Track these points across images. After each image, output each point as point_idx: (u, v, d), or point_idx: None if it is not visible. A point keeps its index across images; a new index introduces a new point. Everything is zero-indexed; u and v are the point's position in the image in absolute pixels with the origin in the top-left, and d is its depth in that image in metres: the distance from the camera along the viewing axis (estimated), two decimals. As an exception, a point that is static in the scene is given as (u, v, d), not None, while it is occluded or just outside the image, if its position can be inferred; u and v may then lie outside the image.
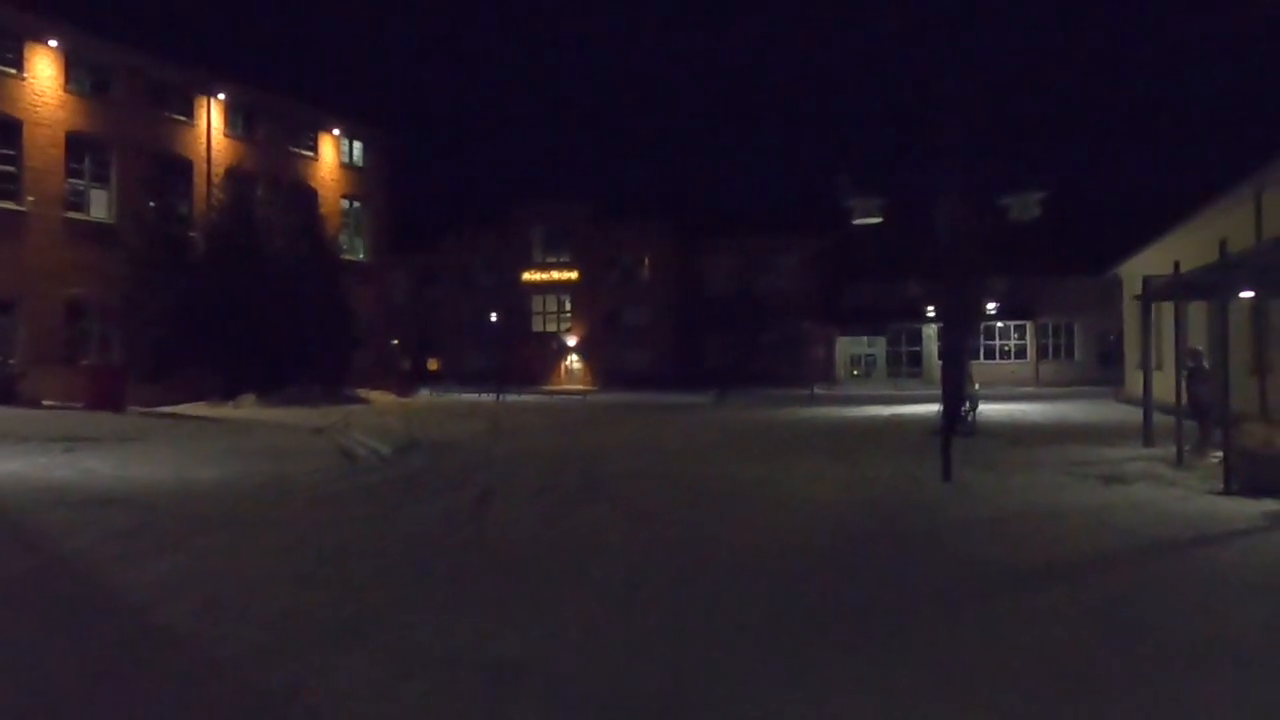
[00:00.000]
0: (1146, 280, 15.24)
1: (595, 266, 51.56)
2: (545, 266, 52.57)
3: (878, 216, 11.90)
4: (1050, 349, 47.29)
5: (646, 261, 51.91)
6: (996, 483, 11.69)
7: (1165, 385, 25.26)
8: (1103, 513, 9.35)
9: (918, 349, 49.45)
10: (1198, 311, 23.58)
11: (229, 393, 27.55)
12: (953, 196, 13.90)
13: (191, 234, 29.86)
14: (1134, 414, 24.40)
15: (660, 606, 5.87)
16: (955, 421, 18.74)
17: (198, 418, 22.12)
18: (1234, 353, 16.54)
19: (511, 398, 35.58)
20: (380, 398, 32.54)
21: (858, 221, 12.05)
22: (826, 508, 9.94)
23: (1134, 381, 29.91)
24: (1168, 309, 25.00)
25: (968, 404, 19.08)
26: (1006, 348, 47.49)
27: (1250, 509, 9.42)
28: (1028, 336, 46.96)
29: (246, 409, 26.23)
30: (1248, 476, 10.41)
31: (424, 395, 38.10)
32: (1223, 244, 11.03)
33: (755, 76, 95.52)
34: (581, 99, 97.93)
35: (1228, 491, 10.55)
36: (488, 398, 36.00)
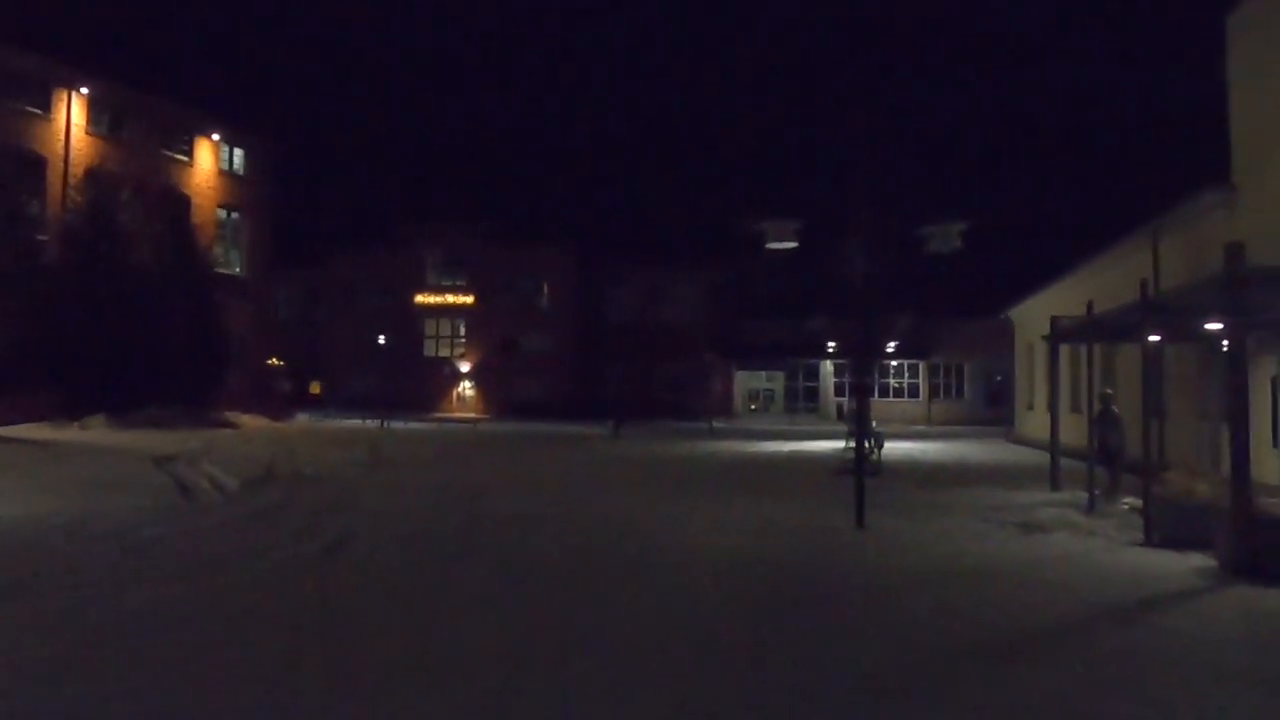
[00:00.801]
0: (1055, 320, 14.92)
1: (492, 291, 49.91)
2: (440, 289, 50.59)
3: (793, 241, 11.04)
4: (942, 389, 48.13)
5: (546, 287, 50.58)
6: (913, 530, 10.88)
7: (1046, 424, 25.58)
8: (1033, 569, 8.57)
9: (815, 384, 49.60)
10: (1075, 355, 23.92)
11: (74, 412, 24.79)
12: (868, 225, 13.26)
13: (42, 237, 26.98)
14: (1029, 455, 24.52)
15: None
16: (862, 461, 18.16)
17: (27, 441, 19.54)
18: (1129, 397, 16.62)
19: (398, 425, 33.56)
20: (251, 422, 30.10)
21: (772, 246, 11.15)
22: (734, 562, 8.84)
23: (1024, 422, 30.33)
24: (1065, 351, 25.36)
25: (872, 443, 18.46)
26: (900, 386, 48.08)
27: (1179, 564, 8.81)
28: (921, 376, 47.68)
29: (94, 431, 23.58)
30: (1170, 528, 9.87)
31: (301, 420, 35.62)
32: (1144, 284, 10.59)
33: (665, 101, 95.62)
34: (485, 119, 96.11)
35: (1149, 543, 10.00)
36: (372, 424, 33.87)
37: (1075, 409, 24.13)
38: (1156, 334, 14.10)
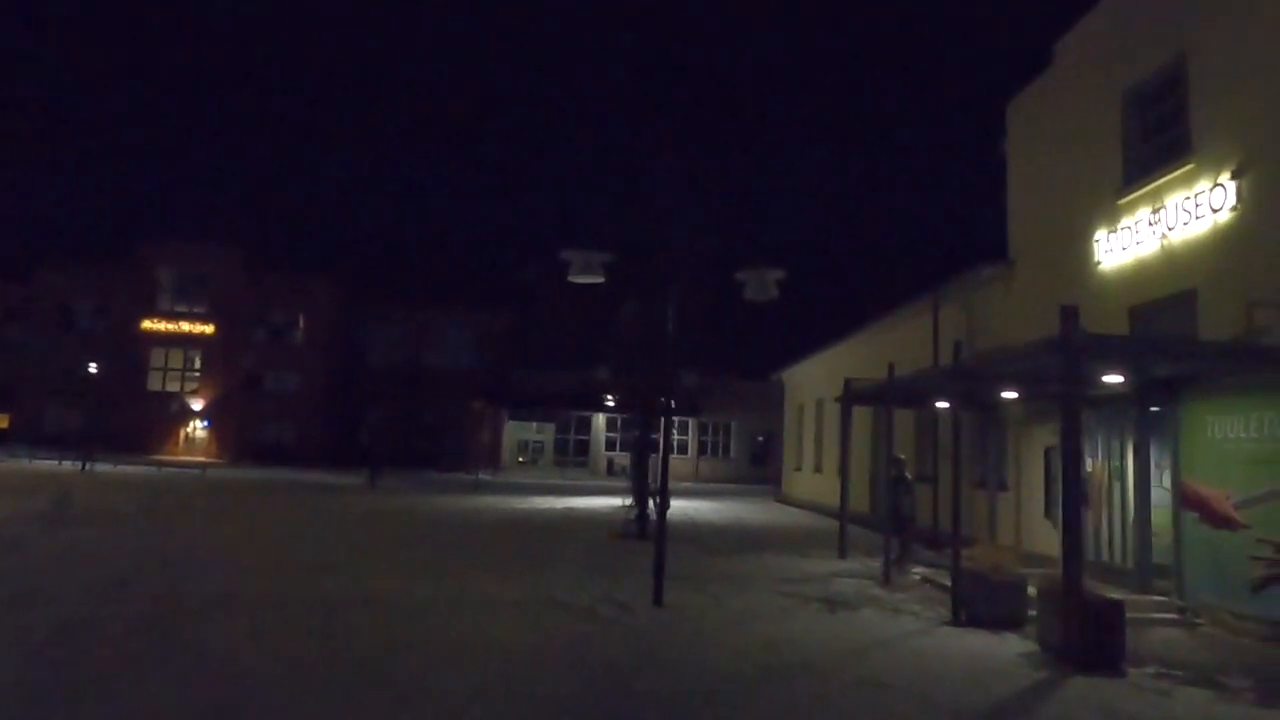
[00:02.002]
0: (848, 382, 14.53)
1: (238, 322, 44.81)
2: (174, 316, 44.73)
3: (599, 276, 9.60)
4: (710, 446, 48.76)
5: (301, 322, 46.16)
6: (714, 609, 9.57)
7: (827, 488, 25.95)
8: (858, 661, 7.45)
9: (586, 438, 48.58)
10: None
11: None
12: (674, 266, 12.29)
13: None
14: (801, 517, 24.53)
15: None
16: (644, 523, 16.90)
17: None
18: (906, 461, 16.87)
19: (104, 468, 28.46)
20: (-101, 461, 24.18)
21: (576, 279, 9.64)
22: (514, 664, 7.03)
23: (792, 483, 30.78)
24: (830, 412, 25.85)
25: (659, 503, 17.28)
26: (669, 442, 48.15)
27: (1002, 649, 8.08)
28: (690, 433, 48.03)
29: None
30: (980, 606, 9.23)
31: (-24, 460, 29.40)
32: (957, 346, 10.12)
33: (451, 130, 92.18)
34: (241, 127, 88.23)
35: (959, 622, 9.33)
36: (71, 466, 28.53)
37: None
38: (954, 400, 14.09)
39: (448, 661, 6.84)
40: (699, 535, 17.47)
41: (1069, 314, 7.62)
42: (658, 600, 9.55)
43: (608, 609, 9.21)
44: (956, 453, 9.86)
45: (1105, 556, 11.35)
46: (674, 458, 47.68)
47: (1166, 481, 10.92)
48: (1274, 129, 9.59)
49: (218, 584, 9.68)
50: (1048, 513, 13.52)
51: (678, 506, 24.33)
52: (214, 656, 6.69)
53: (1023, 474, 14.25)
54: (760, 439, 49.84)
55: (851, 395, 14.36)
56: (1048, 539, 13.17)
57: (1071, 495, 7.61)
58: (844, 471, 14.98)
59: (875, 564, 13.83)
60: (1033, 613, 9.12)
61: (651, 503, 17.67)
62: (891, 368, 12.49)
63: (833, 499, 25.35)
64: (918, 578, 12.28)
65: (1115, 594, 9.47)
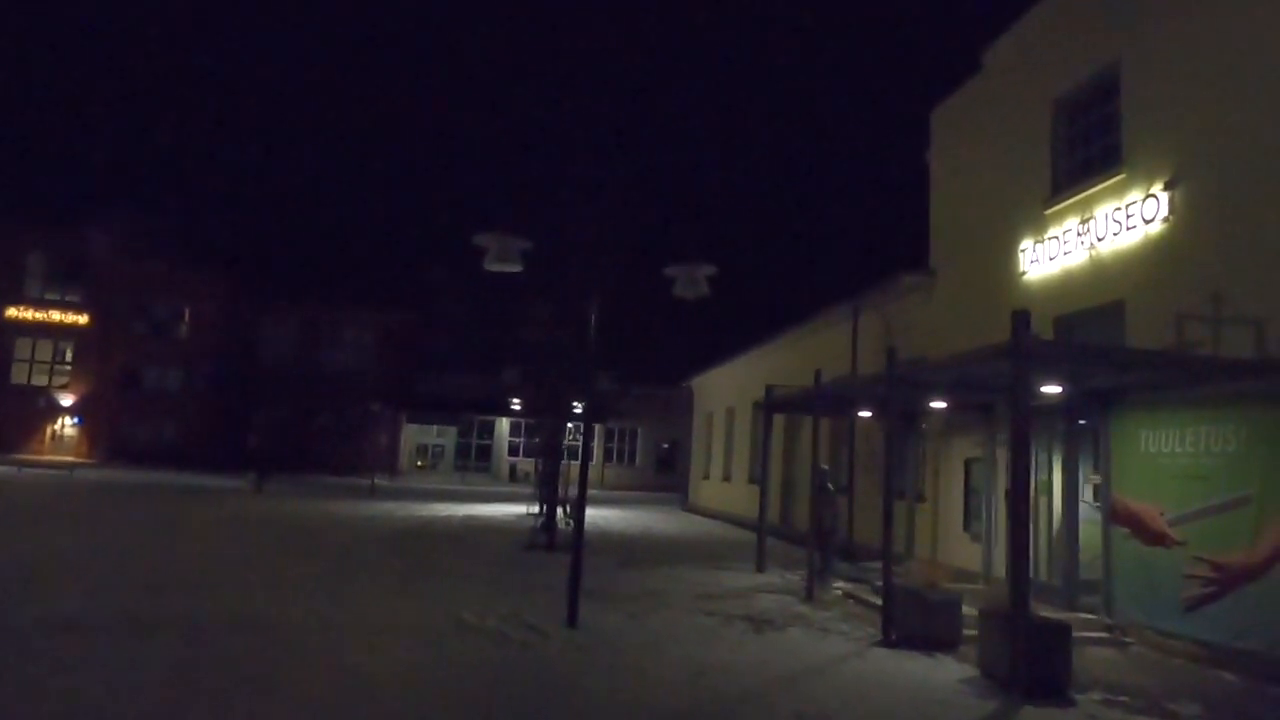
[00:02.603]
0: (770, 389, 14.03)
1: (116, 312, 41.76)
2: (44, 304, 41.38)
3: (517, 265, 8.75)
4: (616, 453, 48.08)
5: (187, 314, 43.38)
6: (633, 630, 8.85)
7: (737, 497, 25.58)
8: (794, 691, 6.83)
9: (489, 443, 47.24)
10: (758, 426, 24.14)
11: None
12: (596, 257, 11.56)
13: None
14: (710, 526, 24.05)
15: None
16: (553, 534, 16.05)
17: None
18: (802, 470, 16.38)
19: (-48, 469, 25.80)
20: None
21: (492, 267, 8.76)
22: (416, 703, 6.13)
23: (699, 492, 30.36)
24: (742, 419, 25.50)
25: (568, 512, 16.48)
26: (576, 448, 47.27)
27: (942, 675, 7.61)
28: (596, 439, 47.25)
29: None
30: (915, 625, 8.77)
31: None
32: (891, 352, 9.67)
33: (356, 115, 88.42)
34: (129, 113, 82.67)
35: (890, 642, 8.86)
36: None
37: (753, 480, 24.20)
38: (878, 408, 13.76)
39: (336, 702, 5.88)
40: (610, 546, 16.70)
41: (1020, 319, 7.21)
42: (572, 621, 8.76)
43: (518, 631, 8.36)
44: (889, 462, 9.40)
45: (1031, 573, 11.11)
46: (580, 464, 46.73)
47: (1089, 495, 10.77)
48: (1209, 140, 9.50)
49: (65, 605, 8.39)
50: (966, 526, 13.31)
51: (586, 516, 23.48)
52: (44, 701, 5.57)
53: (941, 486, 14.04)
54: (665, 446, 49.49)
55: (773, 403, 13.84)
56: (966, 553, 12.96)
57: (1019, 512, 7.19)
58: (763, 481, 14.47)
59: (795, 578, 13.37)
60: (969, 632, 8.74)
61: (562, 512, 16.86)
62: (818, 374, 12.03)
63: (742, 508, 25.02)
64: (840, 593, 11.83)
65: (1043, 612, 9.18)
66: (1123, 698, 6.99)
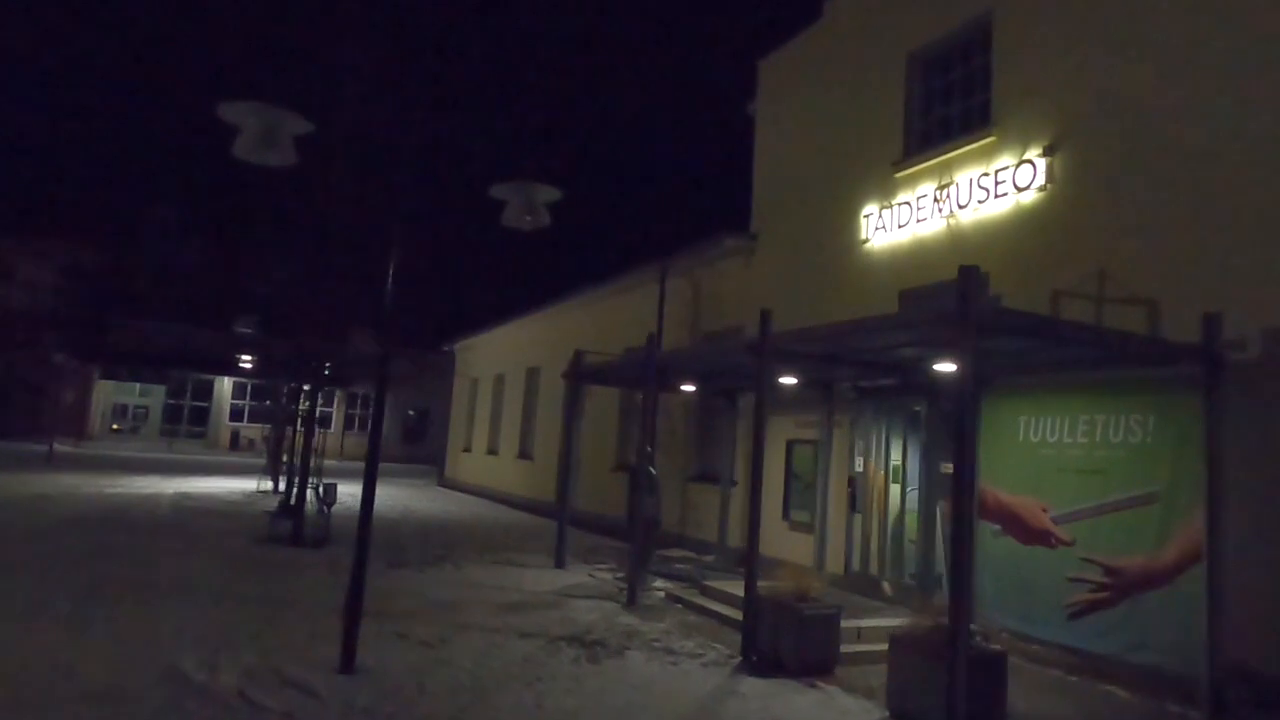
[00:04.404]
0: (579, 354, 11.99)
1: None
2: None
3: (289, 155, 5.99)
4: (357, 420, 43.84)
5: None
6: (435, 671, 6.53)
7: (503, 472, 23.38)
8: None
9: (206, 405, 41.19)
10: (534, 394, 22.09)
11: None
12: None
13: None
14: (476, 505, 21.65)
15: None
16: (301, 522, 13.06)
17: None
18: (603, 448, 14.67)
19: None
20: None
21: (246, 157, 5.90)
22: None
23: (458, 465, 27.77)
24: (514, 388, 23.32)
25: (321, 495, 13.52)
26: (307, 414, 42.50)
27: (839, 711, 6.07)
28: (335, 405, 42.74)
29: None
30: (787, 645, 7.22)
31: None
32: (765, 315, 8.02)
33: None
34: None
35: (753, 666, 7.26)
36: None
37: (524, 455, 22.14)
38: (700, 382, 12.18)
39: None
40: (374, 537, 13.91)
41: (969, 275, 5.74)
42: (348, 665, 6.28)
43: (270, 691, 5.76)
44: (759, 445, 7.76)
45: (874, 569, 10.06)
46: (319, 432, 42.13)
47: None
48: (1097, 103, 8.69)
49: None
50: (786, 514, 12.14)
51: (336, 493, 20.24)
52: None
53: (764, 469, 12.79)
54: (413, 414, 46.01)
55: (584, 371, 11.83)
56: (785, 543, 11.76)
57: (963, 518, 5.75)
58: (565, 460, 12.45)
59: (603, 573, 11.56)
60: (847, 650, 7.35)
61: (313, 493, 13.80)
62: (652, 338, 10.16)
63: (509, 485, 22.87)
64: (662, 595, 10.15)
65: (897, 614, 8.04)
66: (1059, 740, 5.83)
